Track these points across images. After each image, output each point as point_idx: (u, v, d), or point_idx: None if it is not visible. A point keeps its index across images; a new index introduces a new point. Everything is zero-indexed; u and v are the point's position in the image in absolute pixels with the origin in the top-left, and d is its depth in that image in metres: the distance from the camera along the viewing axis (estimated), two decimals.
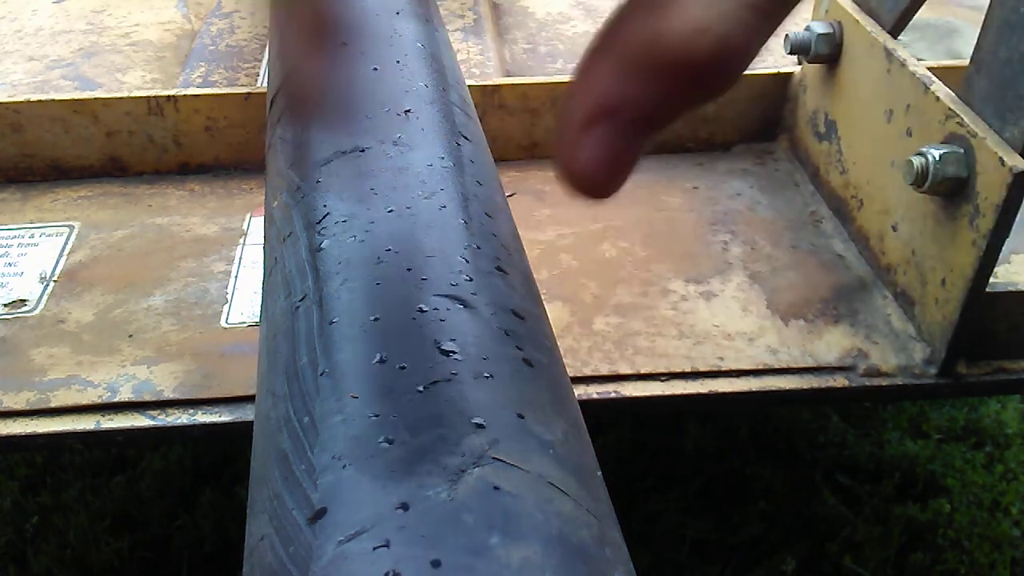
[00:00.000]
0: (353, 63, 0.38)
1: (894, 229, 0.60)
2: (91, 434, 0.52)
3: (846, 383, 0.56)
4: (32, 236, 0.67)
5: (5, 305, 0.60)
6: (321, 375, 0.23)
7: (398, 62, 0.39)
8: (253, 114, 0.72)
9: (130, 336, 0.58)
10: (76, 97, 0.71)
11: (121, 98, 0.71)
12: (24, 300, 0.61)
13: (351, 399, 0.21)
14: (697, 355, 0.57)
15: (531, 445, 0.21)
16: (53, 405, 0.53)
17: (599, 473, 0.22)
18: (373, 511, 0.19)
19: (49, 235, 0.67)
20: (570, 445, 0.22)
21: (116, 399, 0.53)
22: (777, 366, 0.57)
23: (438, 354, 0.23)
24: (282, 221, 0.32)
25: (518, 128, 0.75)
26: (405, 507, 0.18)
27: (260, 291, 0.53)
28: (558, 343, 0.28)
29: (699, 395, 0.55)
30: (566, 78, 0.73)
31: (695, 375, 0.56)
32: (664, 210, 0.71)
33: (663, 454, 1.03)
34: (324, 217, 0.30)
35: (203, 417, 0.53)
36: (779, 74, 0.76)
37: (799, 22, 0.70)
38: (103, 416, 0.53)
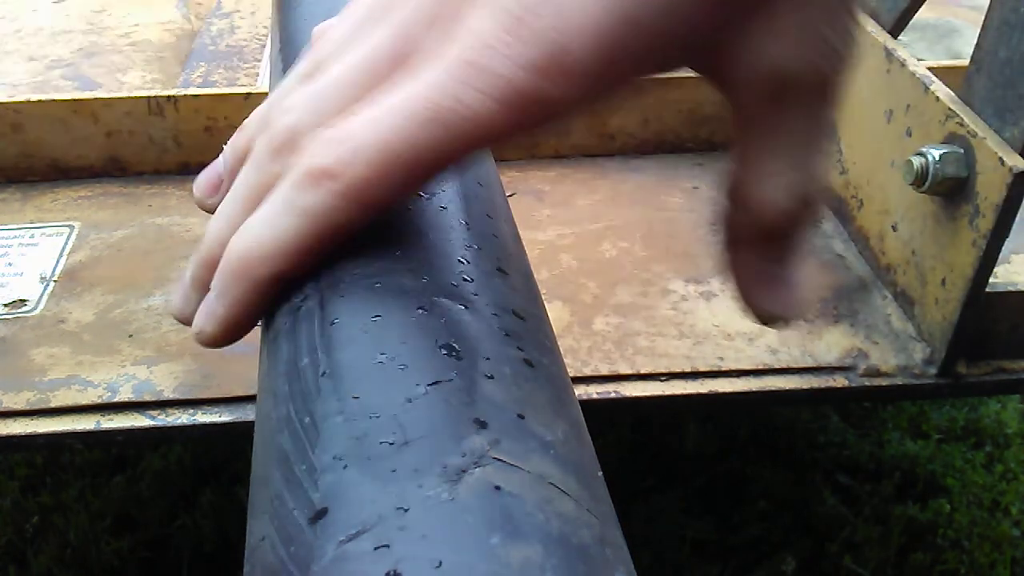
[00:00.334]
0: None
1: (894, 229, 0.60)
2: (91, 434, 0.52)
3: (846, 383, 0.56)
4: (32, 236, 0.67)
5: (5, 305, 0.60)
6: (322, 375, 0.23)
7: None
8: None
9: (130, 336, 0.58)
10: (76, 97, 0.71)
11: (121, 98, 0.71)
12: (24, 300, 0.61)
13: (352, 399, 0.21)
14: (697, 355, 0.57)
15: (532, 445, 0.21)
16: (53, 405, 0.53)
17: (599, 473, 0.22)
18: (374, 511, 0.19)
19: (49, 235, 0.67)
20: (571, 445, 0.22)
21: (116, 399, 0.53)
22: (777, 366, 0.57)
23: (439, 354, 0.23)
24: None
25: None
26: (406, 507, 0.18)
27: None
28: (558, 343, 0.28)
29: (699, 395, 0.55)
30: None
31: (695, 375, 0.56)
32: (664, 210, 0.71)
33: (663, 454, 1.03)
34: None
35: (203, 417, 0.53)
36: None
37: None
38: (103, 416, 0.53)
